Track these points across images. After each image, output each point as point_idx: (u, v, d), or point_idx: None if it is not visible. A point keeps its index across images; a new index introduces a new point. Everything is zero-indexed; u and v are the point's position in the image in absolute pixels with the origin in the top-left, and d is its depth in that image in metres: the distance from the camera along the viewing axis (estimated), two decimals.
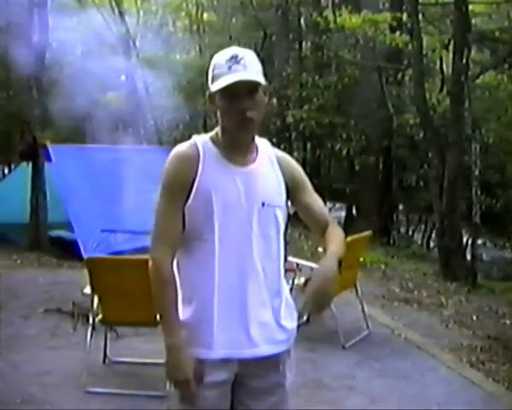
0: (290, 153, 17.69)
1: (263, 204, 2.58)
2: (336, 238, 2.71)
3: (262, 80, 2.53)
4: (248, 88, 2.49)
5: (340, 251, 2.61)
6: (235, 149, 2.61)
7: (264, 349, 2.61)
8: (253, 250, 2.58)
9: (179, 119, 16.94)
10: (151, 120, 17.34)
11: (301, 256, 7.66)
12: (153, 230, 2.60)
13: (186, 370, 2.52)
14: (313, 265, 6.83)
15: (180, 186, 2.53)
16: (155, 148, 14.80)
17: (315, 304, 2.51)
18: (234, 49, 2.54)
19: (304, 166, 19.29)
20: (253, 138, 2.66)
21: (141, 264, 5.22)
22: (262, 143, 2.74)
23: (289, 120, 16.09)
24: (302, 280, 6.89)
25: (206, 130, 16.45)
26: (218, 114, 2.58)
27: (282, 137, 17.72)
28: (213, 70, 2.55)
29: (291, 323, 2.72)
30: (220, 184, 2.55)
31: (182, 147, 2.61)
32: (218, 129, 2.66)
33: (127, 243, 9.99)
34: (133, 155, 12.44)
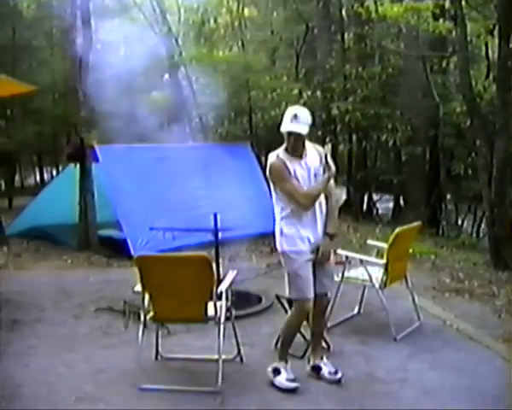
0: (336, 145, 17.58)
1: (315, 175, 5.23)
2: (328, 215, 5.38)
3: (305, 130, 5.09)
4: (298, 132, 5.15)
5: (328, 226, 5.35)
6: (294, 153, 5.20)
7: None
8: None
9: (224, 115, 16.89)
10: (196, 118, 17.34)
11: (350, 249, 7.59)
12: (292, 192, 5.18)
13: None
14: (362, 257, 6.79)
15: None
16: (202, 144, 14.86)
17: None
18: (295, 109, 5.17)
19: (350, 158, 19.22)
20: (303, 148, 5.21)
21: (190, 261, 5.31)
22: (308, 144, 5.28)
23: (334, 112, 15.97)
24: (351, 273, 6.83)
25: (251, 126, 16.46)
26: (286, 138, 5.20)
27: (328, 129, 17.57)
28: (284, 119, 5.12)
29: None
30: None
31: (273, 156, 5.23)
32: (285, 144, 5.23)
33: (176, 240, 10.03)
34: (180, 153, 12.53)
